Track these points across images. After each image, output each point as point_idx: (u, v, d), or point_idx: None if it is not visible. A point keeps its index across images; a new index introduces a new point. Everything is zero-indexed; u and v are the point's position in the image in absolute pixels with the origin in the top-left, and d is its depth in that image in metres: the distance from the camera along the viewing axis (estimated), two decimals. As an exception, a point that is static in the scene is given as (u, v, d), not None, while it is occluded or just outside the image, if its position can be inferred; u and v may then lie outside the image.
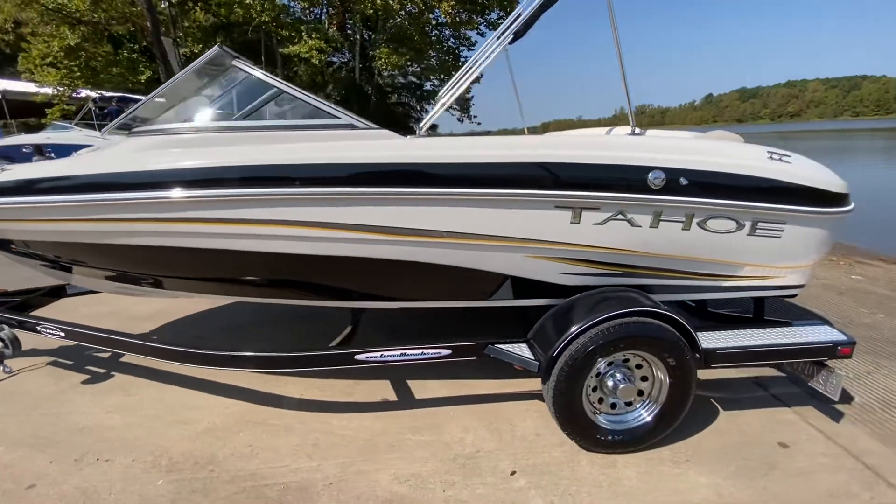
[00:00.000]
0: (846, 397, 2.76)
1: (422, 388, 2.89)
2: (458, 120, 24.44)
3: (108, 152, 2.13)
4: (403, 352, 2.30)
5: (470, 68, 2.03)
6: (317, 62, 16.38)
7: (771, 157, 2.23)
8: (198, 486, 2.12)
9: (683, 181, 2.11)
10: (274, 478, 2.16)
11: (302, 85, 21.43)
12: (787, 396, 2.74)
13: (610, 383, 2.19)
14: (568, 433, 2.22)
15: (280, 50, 17.39)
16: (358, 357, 2.28)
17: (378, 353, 2.29)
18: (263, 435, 2.48)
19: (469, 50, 22.05)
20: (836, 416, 2.55)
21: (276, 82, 2.10)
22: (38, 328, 2.73)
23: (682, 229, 2.20)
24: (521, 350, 2.28)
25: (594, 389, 2.22)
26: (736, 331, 2.36)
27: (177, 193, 1.92)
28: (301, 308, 3.08)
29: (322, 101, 2.08)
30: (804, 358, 2.32)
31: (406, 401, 2.78)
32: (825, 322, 2.48)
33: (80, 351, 3.36)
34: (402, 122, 26.07)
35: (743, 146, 2.35)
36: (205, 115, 2.21)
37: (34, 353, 3.39)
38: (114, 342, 2.55)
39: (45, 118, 17.13)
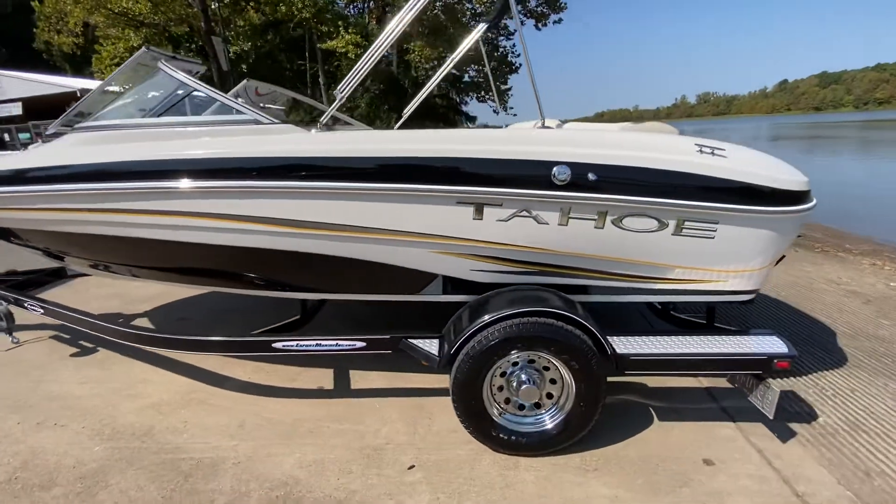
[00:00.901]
0: (810, 416, 2.52)
1: (362, 379, 2.95)
2: (494, 111, 24.15)
3: (45, 147, 2.36)
4: (318, 342, 2.36)
5: (369, 58, 2.01)
6: (353, 56, 16.77)
7: (700, 151, 2.06)
8: (126, 455, 2.31)
9: (592, 176, 2.00)
10: (193, 453, 2.31)
11: (342, 80, 22.17)
12: (739, 411, 2.53)
13: (514, 384, 2.13)
14: (470, 431, 2.19)
15: (319, 45, 17.98)
16: (275, 345, 2.37)
17: (294, 343, 2.37)
18: (201, 412, 2.64)
19: (507, 39, 21.70)
20: (787, 436, 2.33)
21: (191, 82, 2.22)
22: (25, 305, 3.06)
23: (596, 227, 2.09)
24: (433, 346, 2.27)
25: (500, 389, 2.18)
26: (662, 337, 2.21)
27: (93, 186, 2.10)
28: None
29: (231, 98, 2.18)
30: (733, 370, 2.13)
31: (341, 390, 2.85)
32: (774, 332, 2.26)
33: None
34: (442, 114, 26.16)
35: (669, 138, 2.18)
36: (130, 113, 2.37)
37: (42, 327, 3.80)
38: (78, 320, 2.80)
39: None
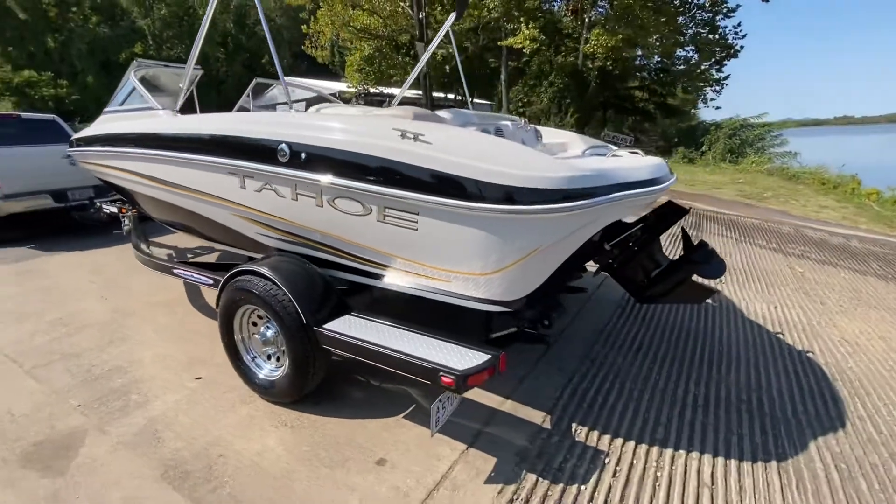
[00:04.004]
0: (575, 479, 1.99)
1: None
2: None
3: (93, 123, 3.84)
4: (192, 274, 3.14)
5: (194, 52, 2.56)
6: (528, 51, 16.92)
7: (402, 136, 1.92)
8: (107, 322, 3.59)
9: (303, 156, 2.13)
10: (127, 332, 3.42)
11: (531, 74, 22.53)
12: (492, 441, 2.19)
13: (256, 333, 2.47)
14: (233, 366, 2.62)
15: (499, 42, 18.77)
16: (174, 271, 3.27)
17: (181, 271, 3.21)
18: (163, 313, 3.77)
19: (726, 18, 18.01)
20: (500, 481, 1.95)
21: (136, 84, 3.25)
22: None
23: (316, 206, 2.20)
24: None
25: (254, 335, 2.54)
26: (385, 326, 2.14)
27: (90, 148, 3.40)
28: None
29: (147, 93, 3.11)
30: (406, 371, 1.92)
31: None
32: (493, 353, 1.89)
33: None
34: (641, 108, 23.65)
35: (372, 121, 2.06)
36: (114, 102, 3.61)
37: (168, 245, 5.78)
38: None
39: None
